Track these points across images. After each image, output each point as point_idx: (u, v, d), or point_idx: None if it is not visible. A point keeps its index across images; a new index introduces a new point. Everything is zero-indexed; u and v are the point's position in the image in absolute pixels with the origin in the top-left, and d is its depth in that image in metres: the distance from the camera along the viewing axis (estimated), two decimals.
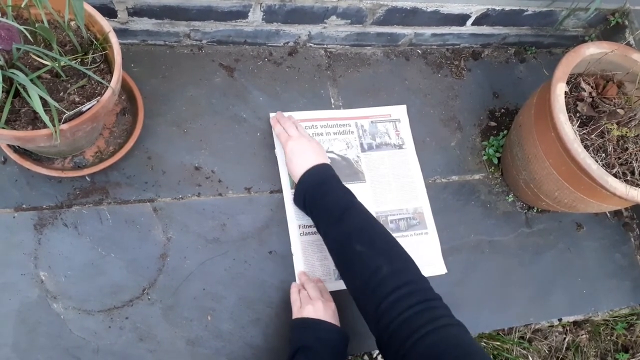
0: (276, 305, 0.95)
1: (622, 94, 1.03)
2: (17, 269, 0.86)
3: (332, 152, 1.09)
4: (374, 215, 1.04)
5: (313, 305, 0.86)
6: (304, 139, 0.98)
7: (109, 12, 0.96)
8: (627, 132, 0.94)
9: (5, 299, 0.84)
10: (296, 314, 0.88)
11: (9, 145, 0.87)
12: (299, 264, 0.98)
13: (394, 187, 1.10)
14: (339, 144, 1.11)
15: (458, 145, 1.19)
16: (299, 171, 0.93)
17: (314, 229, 0.98)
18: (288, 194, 1.03)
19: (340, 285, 0.93)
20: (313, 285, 0.92)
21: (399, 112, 1.17)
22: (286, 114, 1.08)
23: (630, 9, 1.20)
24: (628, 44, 1.17)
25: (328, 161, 0.97)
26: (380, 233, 0.83)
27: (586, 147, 0.92)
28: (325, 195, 0.90)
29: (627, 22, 1.22)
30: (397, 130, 1.15)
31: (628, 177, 0.93)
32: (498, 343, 1.36)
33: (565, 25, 1.26)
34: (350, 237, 0.82)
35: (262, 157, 1.05)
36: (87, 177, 0.94)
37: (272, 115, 1.08)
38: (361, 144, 1.12)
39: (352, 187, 1.05)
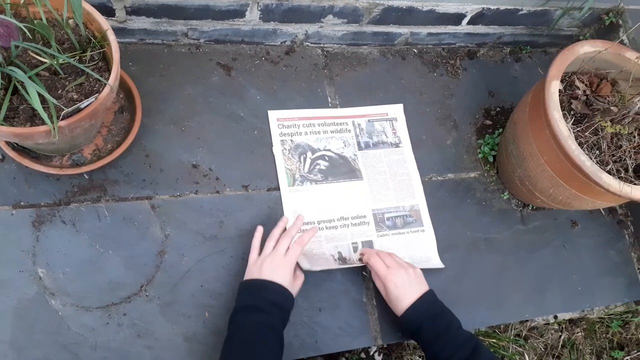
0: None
1: (615, 92, 1.04)
2: (15, 265, 0.87)
3: (329, 150, 1.10)
4: (371, 212, 1.06)
5: (264, 263, 0.88)
6: (403, 270, 0.93)
7: (107, 11, 0.97)
8: (620, 130, 0.95)
9: (4, 296, 0.85)
10: (249, 270, 0.89)
11: (7, 143, 0.88)
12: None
13: (391, 185, 1.11)
14: (336, 142, 1.11)
15: (454, 144, 1.20)
16: (406, 303, 0.89)
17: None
18: (286, 192, 1.04)
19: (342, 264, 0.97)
20: (287, 240, 0.92)
21: (396, 110, 1.18)
22: (288, 111, 1.10)
23: (624, 8, 1.21)
24: (622, 42, 1.18)
25: (427, 286, 0.94)
26: None
27: (580, 144, 0.93)
28: (449, 330, 0.88)
29: (621, 22, 1.23)
30: (394, 128, 1.16)
31: (622, 174, 0.94)
32: (494, 340, 1.36)
33: (560, 24, 1.27)
34: None
35: (259, 154, 1.06)
36: (85, 175, 0.95)
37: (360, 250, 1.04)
38: (358, 143, 1.13)
39: (349, 185, 1.07)
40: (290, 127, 1.10)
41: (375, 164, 1.12)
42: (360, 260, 1.00)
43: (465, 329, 0.90)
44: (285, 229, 0.96)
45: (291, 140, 1.09)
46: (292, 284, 0.89)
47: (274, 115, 1.10)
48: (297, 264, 0.93)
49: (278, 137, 1.08)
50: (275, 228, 0.95)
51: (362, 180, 1.09)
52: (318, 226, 1.02)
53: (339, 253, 1.01)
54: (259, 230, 0.96)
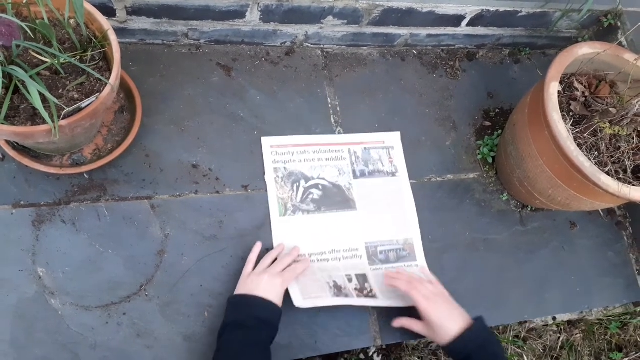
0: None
1: (614, 94, 1.04)
2: (15, 265, 0.87)
3: (323, 178, 1.07)
4: (363, 245, 1.04)
5: (259, 278, 0.88)
6: (443, 298, 0.93)
7: (108, 12, 0.97)
8: (619, 131, 0.96)
9: (3, 295, 0.85)
10: (238, 285, 0.90)
11: (7, 142, 0.88)
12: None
13: (386, 216, 1.08)
14: (331, 171, 1.09)
15: (453, 145, 1.20)
16: (453, 333, 0.87)
17: None
18: (276, 222, 1.01)
19: (337, 301, 0.93)
20: (283, 264, 0.92)
21: (393, 139, 1.16)
22: (282, 138, 1.07)
23: (623, 10, 1.22)
24: (620, 44, 1.19)
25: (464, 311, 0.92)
26: None
27: (579, 145, 0.94)
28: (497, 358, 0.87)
29: (619, 24, 1.23)
30: (390, 157, 1.14)
31: (620, 175, 0.94)
32: None
33: (559, 26, 1.28)
34: None
35: (259, 155, 1.06)
36: (85, 175, 0.95)
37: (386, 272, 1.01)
38: (353, 171, 1.10)
39: (342, 215, 1.05)
40: (284, 155, 1.07)
41: (370, 194, 1.09)
42: (357, 289, 0.97)
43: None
44: (281, 253, 0.97)
45: (284, 168, 1.06)
46: (281, 299, 0.88)
47: (267, 142, 1.07)
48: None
49: (271, 164, 1.05)
50: (273, 250, 0.97)
51: (355, 211, 1.07)
52: (310, 259, 1.00)
53: (334, 282, 0.96)
54: (258, 246, 0.96)
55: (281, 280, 0.89)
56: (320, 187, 1.07)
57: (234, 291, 0.90)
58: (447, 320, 0.89)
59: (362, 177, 1.10)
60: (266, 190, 1.04)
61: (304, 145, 1.10)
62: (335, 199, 1.07)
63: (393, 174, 1.13)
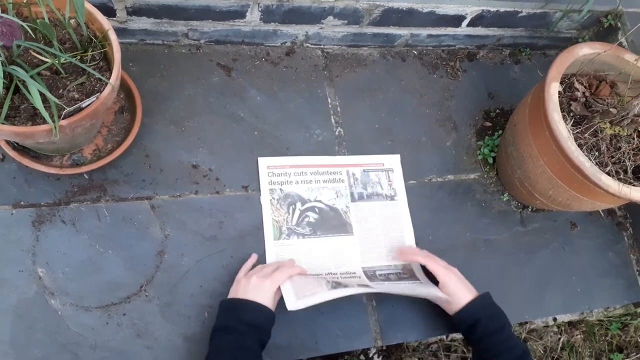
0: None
1: (614, 94, 1.04)
2: (15, 265, 0.87)
3: (320, 201, 1.05)
4: (361, 269, 1.02)
5: (248, 281, 0.87)
6: (456, 270, 0.98)
7: (108, 12, 0.97)
8: (620, 131, 0.96)
9: (3, 295, 0.84)
10: (231, 290, 0.89)
11: (7, 142, 0.88)
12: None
13: (383, 242, 1.06)
14: (328, 193, 1.07)
15: (453, 145, 1.20)
16: (466, 299, 0.93)
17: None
18: (270, 246, 0.99)
19: (333, 294, 0.90)
20: (275, 265, 0.91)
21: (393, 161, 1.14)
22: (279, 159, 1.06)
23: (623, 10, 1.22)
24: (620, 44, 1.19)
25: None
26: None
27: (580, 145, 0.93)
28: (503, 330, 0.92)
29: (619, 24, 1.23)
30: (389, 180, 1.12)
31: (621, 176, 0.94)
32: None
33: (559, 27, 1.28)
34: None
35: (259, 155, 1.06)
36: (85, 175, 0.95)
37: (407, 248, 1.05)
38: (351, 193, 1.08)
39: (338, 240, 1.03)
40: (281, 176, 1.05)
41: (367, 218, 1.07)
42: (359, 285, 0.96)
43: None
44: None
45: (280, 189, 1.04)
46: (274, 302, 0.87)
47: (264, 162, 1.05)
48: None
49: (267, 186, 1.03)
50: (271, 263, 0.96)
51: (352, 236, 1.04)
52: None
53: (334, 281, 0.95)
54: (253, 257, 0.96)
55: (269, 281, 0.86)
56: (317, 210, 1.05)
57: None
58: (461, 289, 0.94)
59: (360, 200, 1.08)
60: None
61: (302, 166, 1.07)
62: (331, 222, 1.04)
63: (392, 198, 1.11)
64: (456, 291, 0.94)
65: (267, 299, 0.85)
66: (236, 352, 0.81)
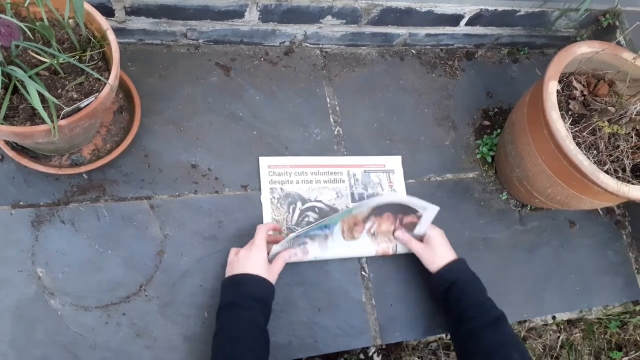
0: (273, 301, 0.95)
1: (613, 93, 1.04)
2: (15, 265, 0.87)
3: (320, 201, 1.05)
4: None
5: (237, 258, 0.89)
6: (441, 231, 1.02)
7: (107, 12, 0.97)
8: (618, 130, 0.96)
9: (3, 296, 0.84)
10: (226, 270, 0.91)
11: (6, 142, 0.88)
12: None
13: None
14: (329, 194, 1.07)
15: (452, 144, 1.20)
16: (448, 258, 0.97)
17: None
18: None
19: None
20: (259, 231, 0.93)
21: (394, 163, 1.14)
22: (280, 158, 1.07)
23: (621, 9, 1.22)
24: (619, 43, 1.19)
25: None
26: (527, 349, 0.90)
27: (578, 144, 0.94)
28: (480, 294, 0.94)
29: (617, 23, 1.24)
30: (390, 181, 1.12)
31: (619, 174, 0.95)
32: None
33: (558, 25, 1.28)
34: (509, 344, 0.87)
35: (258, 155, 1.06)
36: (84, 175, 0.95)
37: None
38: (352, 194, 1.08)
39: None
40: (282, 175, 1.05)
41: None
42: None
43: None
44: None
45: (281, 188, 1.04)
46: (269, 270, 0.89)
47: (264, 162, 1.05)
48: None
49: (267, 184, 1.03)
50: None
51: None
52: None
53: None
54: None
55: (255, 248, 0.89)
56: (317, 209, 1.05)
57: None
58: (445, 248, 0.98)
59: (361, 201, 1.07)
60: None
61: (302, 166, 1.07)
62: None
63: None
64: (440, 250, 0.98)
65: (261, 269, 0.87)
66: (243, 326, 0.82)
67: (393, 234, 1.02)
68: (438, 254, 0.97)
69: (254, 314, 0.83)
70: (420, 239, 1.01)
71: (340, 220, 0.97)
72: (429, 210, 0.98)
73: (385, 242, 1.03)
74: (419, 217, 0.99)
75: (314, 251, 0.98)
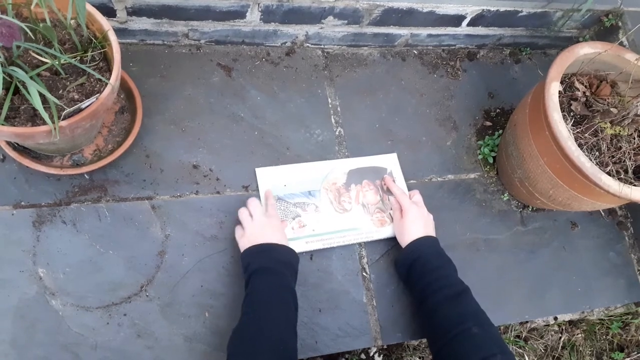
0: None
1: (615, 94, 1.04)
2: (16, 265, 0.87)
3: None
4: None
5: (254, 226, 0.91)
6: (424, 210, 1.02)
7: (108, 12, 0.97)
8: (620, 131, 0.95)
9: (4, 296, 0.85)
10: (244, 241, 0.90)
11: (7, 143, 0.88)
12: None
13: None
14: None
15: (454, 145, 1.20)
16: (414, 235, 0.97)
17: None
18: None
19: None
20: (255, 203, 0.95)
21: (390, 161, 1.13)
22: (276, 167, 1.05)
23: (624, 10, 1.22)
24: (621, 44, 1.19)
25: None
26: (492, 323, 0.88)
27: (580, 145, 0.93)
28: (443, 268, 0.93)
29: (620, 23, 1.23)
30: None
31: (621, 175, 0.94)
32: None
33: (560, 26, 1.28)
34: (468, 318, 0.85)
35: (259, 155, 1.06)
36: (85, 175, 0.95)
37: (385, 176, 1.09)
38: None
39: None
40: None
41: None
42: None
43: (455, 270, 0.95)
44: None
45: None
46: (286, 237, 0.93)
47: (262, 172, 1.04)
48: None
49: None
50: (242, 208, 0.96)
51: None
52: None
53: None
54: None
55: (271, 219, 0.92)
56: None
57: (241, 253, 0.90)
58: (415, 224, 0.98)
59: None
60: None
61: (300, 172, 1.06)
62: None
63: None
64: (409, 224, 0.98)
65: (283, 237, 0.91)
66: (275, 290, 0.83)
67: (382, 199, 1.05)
68: (406, 230, 0.98)
69: (285, 279, 0.85)
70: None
71: (322, 188, 1.03)
72: (390, 160, 1.04)
73: (378, 212, 1.05)
74: (391, 174, 1.05)
75: (310, 224, 1.01)
